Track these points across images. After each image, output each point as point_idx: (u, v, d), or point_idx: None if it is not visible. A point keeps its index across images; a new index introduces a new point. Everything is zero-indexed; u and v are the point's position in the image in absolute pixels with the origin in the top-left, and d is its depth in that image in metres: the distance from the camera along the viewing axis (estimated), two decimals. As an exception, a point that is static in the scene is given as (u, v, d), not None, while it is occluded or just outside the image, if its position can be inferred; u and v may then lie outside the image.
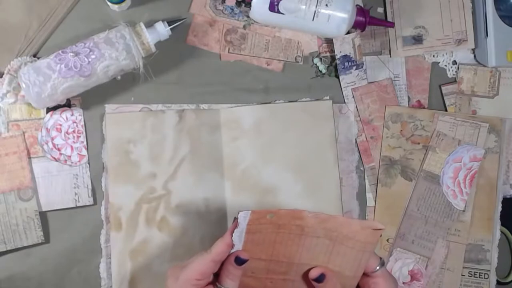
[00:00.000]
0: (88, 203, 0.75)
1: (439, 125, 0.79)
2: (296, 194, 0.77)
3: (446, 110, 0.80)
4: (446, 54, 0.81)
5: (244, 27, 0.79)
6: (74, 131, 0.75)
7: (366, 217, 0.79)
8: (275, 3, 0.73)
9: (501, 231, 0.80)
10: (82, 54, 0.69)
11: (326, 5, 0.73)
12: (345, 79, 0.78)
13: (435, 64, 0.81)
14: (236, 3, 0.78)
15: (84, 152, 0.75)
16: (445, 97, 0.80)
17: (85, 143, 0.75)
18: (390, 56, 0.80)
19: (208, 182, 0.76)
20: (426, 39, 0.80)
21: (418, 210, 0.78)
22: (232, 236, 0.53)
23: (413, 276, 0.78)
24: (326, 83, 0.79)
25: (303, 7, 0.73)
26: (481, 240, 0.79)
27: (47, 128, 0.74)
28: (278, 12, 0.74)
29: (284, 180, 0.77)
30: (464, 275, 0.79)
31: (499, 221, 0.79)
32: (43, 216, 0.74)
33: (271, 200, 0.76)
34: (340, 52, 0.77)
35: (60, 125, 0.74)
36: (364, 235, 0.53)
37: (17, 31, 0.74)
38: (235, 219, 0.52)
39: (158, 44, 0.74)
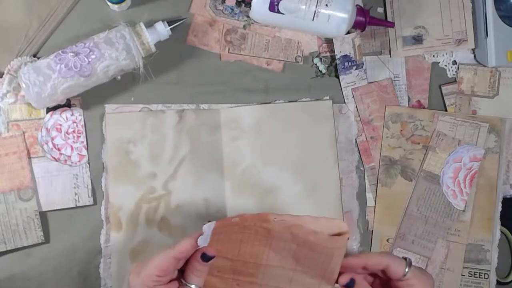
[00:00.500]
0: (88, 203, 0.75)
1: (439, 125, 0.79)
2: (296, 194, 0.77)
3: (446, 110, 0.80)
4: (446, 54, 0.81)
5: (244, 27, 0.79)
6: (74, 131, 0.75)
7: (366, 217, 0.79)
8: (275, 3, 0.73)
9: (501, 231, 0.80)
10: (82, 54, 0.69)
11: (326, 5, 0.73)
12: (345, 79, 0.78)
13: (435, 64, 0.81)
14: (236, 3, 0.78)
15: (84, 152, 0.75)
16: (445, 97, 0.80)
17: (85, 143, 0.75)
18: (390, 56, 0.80)
19: (208, 182, 0.76)
20: (426, 39, 0.80)
21: (418, 210, 0.78)
22: (197, 240, 0.52)
23: (413, 276, 0.78)
24: (326, 83, 0.79)
25: (303, 7, 0.73)
26: (481, 240, 0.79)
27: (47, 128, 0.74)
28: (278, 12, 0.74)
29: (284, 180, 0.77)
30: (464, 275, 0.79)
31: (499, 221, 0.79)
32: (43, 216, 0.74)
33: (271, 200, 0.76)
34: (340, 52, 0.76)
35: (60, 125, 0.74)
36: (331, 241, 0.53)
37: (17, 31, 0.74)
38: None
39: (158, 44, 0.74)
